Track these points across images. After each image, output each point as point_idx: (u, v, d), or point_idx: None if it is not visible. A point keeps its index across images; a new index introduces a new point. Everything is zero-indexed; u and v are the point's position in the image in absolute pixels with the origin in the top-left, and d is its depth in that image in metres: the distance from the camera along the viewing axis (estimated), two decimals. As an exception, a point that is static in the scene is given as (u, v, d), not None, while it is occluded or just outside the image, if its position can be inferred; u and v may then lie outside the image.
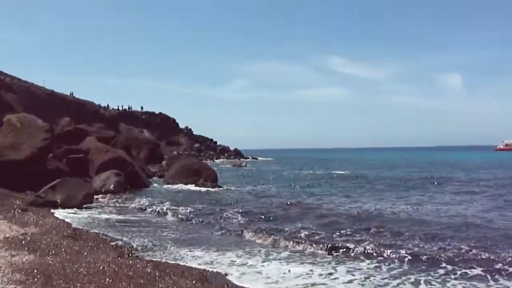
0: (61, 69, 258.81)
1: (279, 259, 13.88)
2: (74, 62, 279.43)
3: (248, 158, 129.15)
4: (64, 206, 24.05)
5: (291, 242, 16.06)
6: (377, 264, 13.30)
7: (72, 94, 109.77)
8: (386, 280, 11.75)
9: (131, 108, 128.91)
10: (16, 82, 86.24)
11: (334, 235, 17.31)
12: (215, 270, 12.30)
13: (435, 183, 42.06)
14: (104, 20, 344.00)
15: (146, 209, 24.95)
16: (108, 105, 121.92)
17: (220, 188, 37.82)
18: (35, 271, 9.68)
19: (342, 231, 18.01)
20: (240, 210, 23.76)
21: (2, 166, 28.15)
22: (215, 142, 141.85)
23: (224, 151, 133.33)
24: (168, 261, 13.02)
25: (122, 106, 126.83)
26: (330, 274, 12.24)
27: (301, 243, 15.85)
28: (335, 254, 14.56)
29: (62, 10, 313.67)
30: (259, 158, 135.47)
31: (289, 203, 27.36)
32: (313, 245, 15.56)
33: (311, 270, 12.51)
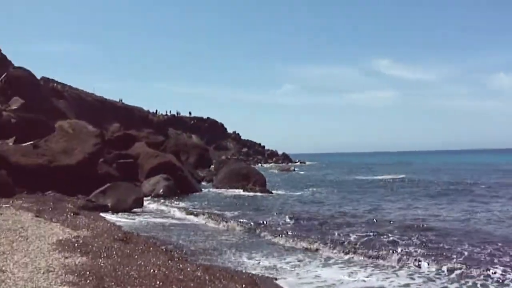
0: (111, 76, 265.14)
1: (335, 265, 13.73)
2: (123, 69, 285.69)
3: (296, 163, 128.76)
4: (114, 210, 24.51)
5: (346, 248, 15.76)
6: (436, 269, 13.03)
7: (121, 100, 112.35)
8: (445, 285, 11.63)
9: (180, 114, 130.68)
10: (67, 90, 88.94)
11: (392, 241, 16.94)
12: (265, 275, 12.21)
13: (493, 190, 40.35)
14: (151, 27, 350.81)
15: (195, 214, 25.08)
16: (156, 111, 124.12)
17: (269, 194, 37.66)
18: (87, 273, 9.82)
19: (399, 237, 17.59)
20: (291, 216, 23.50)
21: (55, 171, 29.00)
22: (263, 147, 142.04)
23: (272, 156, 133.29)
24: (218, 265, 13.01)
25: (170, 112, 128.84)
26: (387, 278, 12.04)
27: (357, 250, 15.53)
28: (392, 259, 14.24)
29: (109, 22, 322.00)
30: (307, 162, 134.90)
31: (340, 208, 26.99)
32: (370, 251, 15.23)
33: (368, 276, 12.31)
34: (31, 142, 32.39)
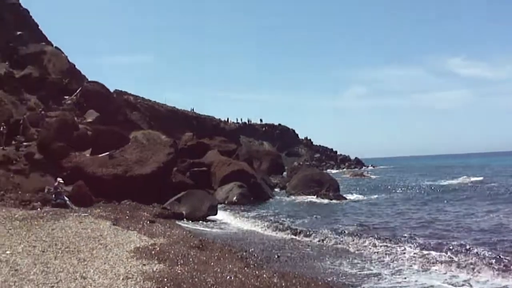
0: (182, 86, 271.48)
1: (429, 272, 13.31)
2: (194, 79, 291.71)
3: (369, 167, 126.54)
4: (189, 217, 24.97)
5: (444, 257, 15.00)
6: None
7: (193, 110, 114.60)
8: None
9: (251, 121, 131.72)
10: (140, 101, 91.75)
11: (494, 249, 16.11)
12: (341, 281, 12.02)
13: None
14: (222, 35, 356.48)
15: (269, 221, 25.02)
16: (228, 119, 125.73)
17: (343, 199, 37.12)
18: (165, 279, 10.02)
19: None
20: (367, 223, 23.09)
21: (130, 180, 29.90)
22: (335, 152, 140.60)
23: (344, 161, 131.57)
24: (294, 272, 12.92)
25: (241, 119, 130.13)
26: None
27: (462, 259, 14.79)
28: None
29: (179, 32, 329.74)
30: (380, 166, 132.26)
31: (422, 214, 26.21)
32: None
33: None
34: (107, 153, 33.53)
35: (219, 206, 29.36)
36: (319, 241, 19.20)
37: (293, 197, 39.85)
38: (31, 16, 66.65)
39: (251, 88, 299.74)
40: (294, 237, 20.49)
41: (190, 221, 24.32)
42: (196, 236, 18.57)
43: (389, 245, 17.08)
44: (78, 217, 19.55)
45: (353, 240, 18.38)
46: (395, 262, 14.88)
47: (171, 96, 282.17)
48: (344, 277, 12.75)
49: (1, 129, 34.08)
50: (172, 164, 34.38)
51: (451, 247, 16.10)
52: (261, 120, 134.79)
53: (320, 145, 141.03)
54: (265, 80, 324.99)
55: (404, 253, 15.78)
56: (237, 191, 34.82)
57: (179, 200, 26.53)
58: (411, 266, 14.31)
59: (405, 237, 18.81)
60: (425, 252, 15.60)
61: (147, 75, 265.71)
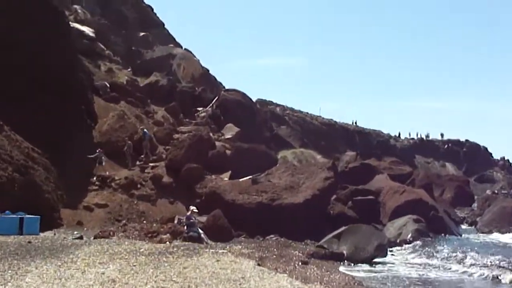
0: (340, 94, 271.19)
1: None
2: (355, 86, 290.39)
3: None
4: (351, 259, 24.64)
5: None
6: None
7: (355, 123, 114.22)
8: None
9: (429, 136, 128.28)
10: (288, 112, 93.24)
11: None
12: None
13: None
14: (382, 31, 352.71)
15: (457, 266, 23.99)
16: (399, 134, 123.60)
17: None
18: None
19: None
20: None
21: (278, 211, 30.30)
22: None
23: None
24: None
25: (417, 134, 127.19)
26: None
27: None
28: None
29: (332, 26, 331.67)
30: None
31: None
32: None
33: None
34: (250, 177, 34.36)
35: (389, 245, 28.74)
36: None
37: (486, 236, 38.11)
38: (155, 14, 70.53)
39: (428, 93, 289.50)
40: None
41: (352, 264, 24.02)
42: (360, 283, 18.24)
43: None
44: (215, 254, 20.09)
45: None
46: None
47: (327, 106, 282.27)
48: None
49: (125, 148, 36.09)
50: (331, 191, 34.37)
51: None
52: (442, 135, 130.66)
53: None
54: (447, 82, 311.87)
55: None
56: (412, 226, 33.87)
57: (339, 237, 26.30)
58: None
59: None
60: None
61: (297, 81, 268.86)
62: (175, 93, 51.84)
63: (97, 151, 34.07)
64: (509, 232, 37.65)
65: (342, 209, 34.60)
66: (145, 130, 38.13)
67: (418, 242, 31.92)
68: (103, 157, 34.38)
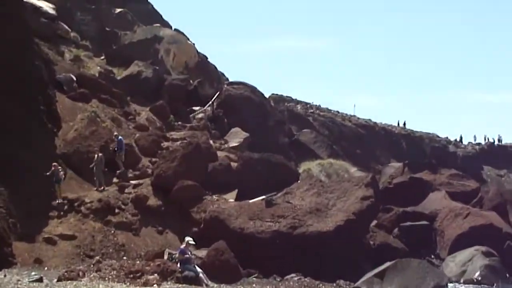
0: (378, 88, 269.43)
1: None
2: (399, 74, 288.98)
3: None
4: (400, 305, 24.60)
5: None
6: None
7: (404, 124, 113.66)
8: None
9: (501, 141, 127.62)
10: (312, 112, 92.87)
11: None
12: None
13: None
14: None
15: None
16: (461, 138, 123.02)
17: None
18: None
19: None
20: None
21: (301, 242, 30.16)
22: None
23: None
24: None
25: (485, 138, 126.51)
26: None
27: None
28: None
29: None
30: None
31: None
32: None
33: None
34: (263, 197, 34.24)
35: (450, 286, 28.67)
36: None
37: None
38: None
39: (493, 85, 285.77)
40: None
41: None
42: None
43: None
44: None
45: None
46: None
47: (364, 103, 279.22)
48: None
49: (94, 163, 34.98)
50: (370, 214, 34.30)
51: None
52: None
53: None
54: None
55: None
56: (481, 261, 33.74)
57: (382, 276, 26.30)
58: None
59: None
60: None
61: (324, 69, 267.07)
62: (163, 88, 51.86)
63: (53, 165, 32.68)
64: None
65: (385, 239, 34.54)
66: (120, 137, 37.50)
67: (489, 282, 31.86)
68: (60, 173, 33.14)
